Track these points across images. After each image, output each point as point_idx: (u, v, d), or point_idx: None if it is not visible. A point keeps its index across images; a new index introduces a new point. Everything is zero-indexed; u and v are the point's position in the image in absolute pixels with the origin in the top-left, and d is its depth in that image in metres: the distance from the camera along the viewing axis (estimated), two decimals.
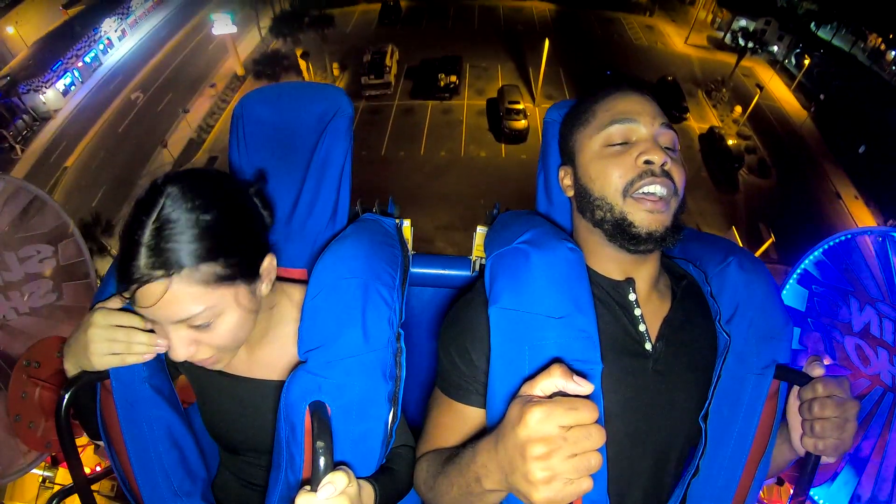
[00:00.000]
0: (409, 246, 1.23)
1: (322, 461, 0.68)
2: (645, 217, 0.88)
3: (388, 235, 1.06)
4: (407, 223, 1.21)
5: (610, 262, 0.96)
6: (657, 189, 0.88)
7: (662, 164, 0.88)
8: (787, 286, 1.53)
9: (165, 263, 0.73)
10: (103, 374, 0.93)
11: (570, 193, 1.01)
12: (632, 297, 0.94)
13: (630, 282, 0.94)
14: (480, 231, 1.24)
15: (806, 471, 0.88)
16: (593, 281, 0.92)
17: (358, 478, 0.84)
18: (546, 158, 1.15)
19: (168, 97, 22.92)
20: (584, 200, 0.95)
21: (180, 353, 0.82)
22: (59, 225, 1.57)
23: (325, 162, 1.09)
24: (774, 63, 27.51)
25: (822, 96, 23.59)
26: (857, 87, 24.80)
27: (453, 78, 21.76)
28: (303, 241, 1.09)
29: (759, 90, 21.99)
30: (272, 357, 0.99)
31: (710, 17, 31.28)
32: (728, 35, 28.44)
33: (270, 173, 1.09)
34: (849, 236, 1.40)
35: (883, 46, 28.75)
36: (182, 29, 28.83)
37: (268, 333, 0.98)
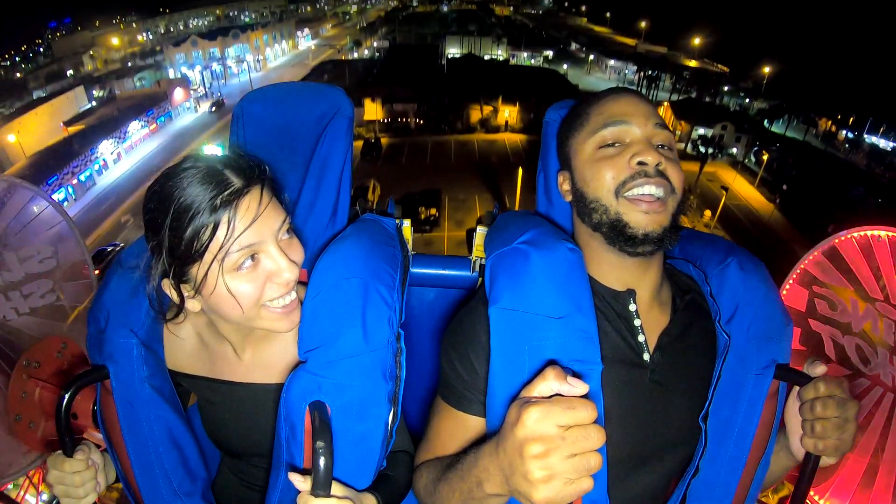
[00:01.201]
0: (409, 246, 1.23)
1: (322, 461, 0.68)
2: (641, 218, 0.87)
3: (388, 235, 1.06)
4: (407, 223, 1.21)
5: (611, 270, 0.95)
6: (652, 189, 0.87)
7: (657, 165, 0.88)
8: (787, 286, 1.53)
9: (253, 172, 0.82)
10: (103, 374, 0.93)
11: (569, 198, 1.01)
12: (632, 307, 0.94)
13: (631, 293, 0.94)
14: (480, 231, 1.24)
15: (806, 471, 0.88)
16: (594, 290, 0.91)
17: (360, 490, 0.85)
18: (546, 159, 1.15)
19: None
20: (581, 204, 0.95)
21: (291, 270, 0.85)
22: (60, 225, 1.57)
23: (325, 162, 1.09)
24: (735, 164, 29.31)
25: (784, 186, 24.98)
26: (816, 171, 26.45)
27: (433, 210, 22.39)
28: (303, 241, 1.08)
29: (724, 192, 23.21)
30: (272, 358, 0.99)
31: None
32: (689, 145, 30.06)
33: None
34: (849, 236, 1.40)
35: (834, 128, 31.46)
36: (175, 157, 29.42)
37: (268, 333, 0.98)
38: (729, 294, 0.96)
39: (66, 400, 0.88)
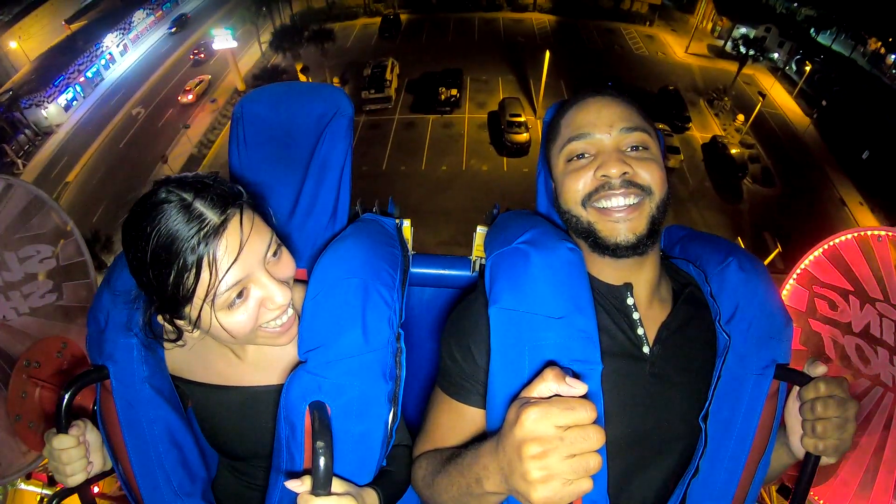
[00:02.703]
0: (409, 246, 1.23)
1: (322, 461, 0.68)
2: (612, 228, 0.89)
3: (388, 235, 1.06)
4: (407, 223, 1.21)
5: (605, 267, 0.96)
6: (619, 201, 0.88)
7: (622, 175, 0.88)
8: (787, 286, 1.53)
9: (230, 200, 0.79)
10: (103, 374, 0.93)
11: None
12: (629, 300, 0.94)
13: (628, 286, 0.94)
14: (480, 231, 1.24)
15: (806, 471, 0.88)
16: (592, 286, 0.92)
17: (361, 486, 0.85)
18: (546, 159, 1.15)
19: (169, 112, 22.98)
20: (559, 212, 0.98)
21: (283, 293, 0.84)
22: (59, 225, 1.57)
23: (325, 162, 1.09)
24: (776, 70, 27.58)
25: (823, 102, 23.63)
26: (858, 92, 24.87)
27: (454, 91, 21.76)
28: (303, 241, 1.09)
29: (761, 98, 22.07)
30: (272, 359, 0.99)
31: (710, 26, 31.34)
32: (729, 43, 28.52)
33: (270, 173, 1.09)
34: (849, 236, 1.40)
35: (883, 50, 29.04)
36: (184, 44, 29.08)
37: None
38: (729, 294, 0.96)
39: (66, 400, 0.88)
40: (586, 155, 0.92)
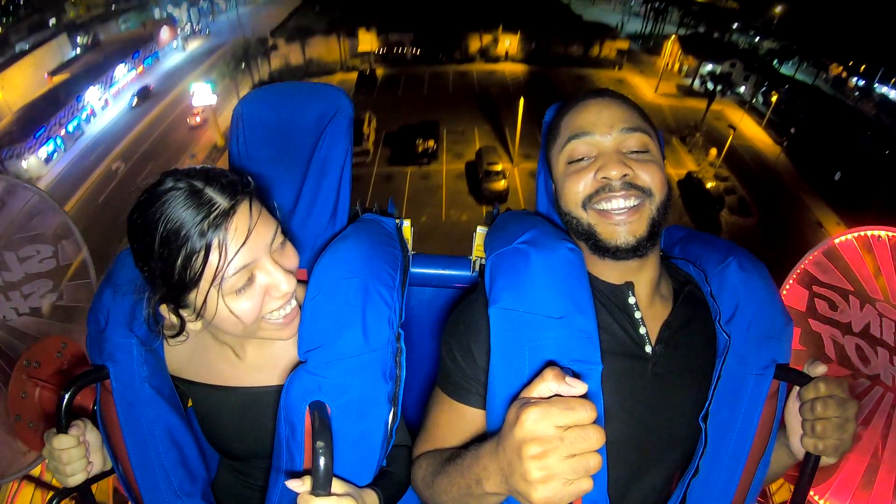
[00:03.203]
0: (409, 246, 1.23)
1: (322, 461, 0.68)
2: (612, 230, 0.88)
3: (388, 235, 1.06)
4: (407, 223, 1.21)
5: (606, 268, 0.95)
6: (620, 203, 0.87)
7: (623, 177, 0.87)
8: (787, 286, 1.53)
9: (239, 188, 0.80)
10: (103, 374, 0.93)
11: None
12: (631, 300, 0.94)
13: (629, 285, 0.94)
14: (480, 231, 1.24)
15: (806, 471, 0.88)
16: (593, 285, 0.92)
17: (361, 487, 0.85)
18: (546, 159, 1.15)
19: (149, 167, 22.49)
20: (559, 212, 0.98)
21: (288, 281, 0.85)
22: (59, 225, 1.57)
23: (325, 162, 1.09)
24: (743, 103, 28.65)
25: (792, 130, 24.45)
26: (824, 117, 25.75)
27: (431, 143, 21.73)
28: (302, 241, 1.08)
29: (732, 131, 22.64)
30: (272, 359, 0.99)
31: (676, 66, 32.66)
32: (696, 81, 29.58)
33: (270, 173, 1.09)
34: (849, 236, 1.40)
35: (844, 74, 30.66)
36: (164, 100, 29.11)
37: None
38: (729, 294, 0.96)
39: (66, 400, 0.88)
40: (585, 158, 0.92)
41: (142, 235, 0.76)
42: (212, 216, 0.75)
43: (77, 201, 20.99)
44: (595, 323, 0.85)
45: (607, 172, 0.87)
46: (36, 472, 1.75)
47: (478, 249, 1.28)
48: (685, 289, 0.99)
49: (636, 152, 0.90)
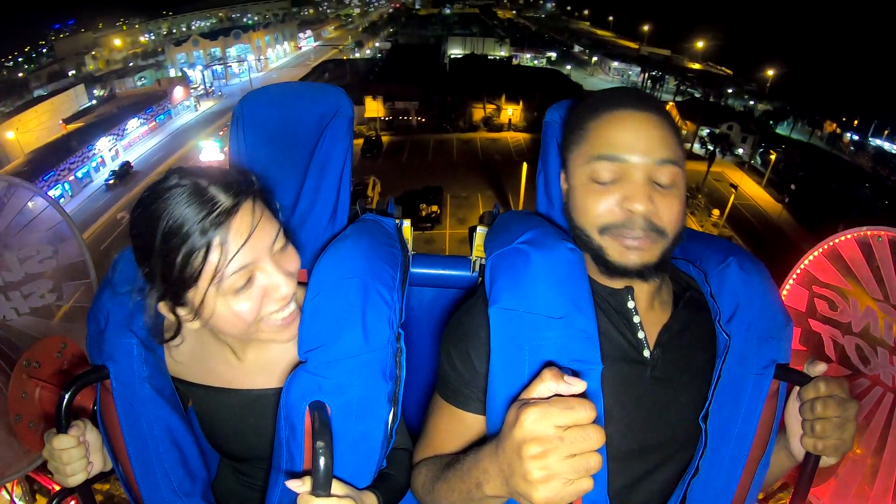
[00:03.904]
0: (409, 246, 1.23)
1: (322, 461, 0.68)
2: (622, 253, 0.86)
3: (388, 235, 1.06)
4: (407, 223, 1.21)
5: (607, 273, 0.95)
6: (638, 233, 0.84)
7: (647, 216, 0.83)
8: (787, 286, 1.53)
9: (244, 188, 0.80)
10: (103, 374, 0.93)
11: (565, 201, 0.98)
12: (630, 304, 0.94)
13: (629, 290, 0.94)
14: (480, 231, 1.24)
15: (806, 471, 0.88)
16: (592, 289, 0.91)
17: (361, 489, 0.85)
18: (546, 159, 1.15)
19: None
20: (570, 223, 0.94)
21: (289, 284, 0.85)
22: (59, 225, 1.57)
23: (325, 162, 1.09)
24: (742, 164, 29.33)
25: (793, 186, 24.95)
26: (822, 172, 26.48)
27: (434, 208, 21.91)
28: (302, 242, 1.08)
29: (733, 189, 22.97)
30: (272, 359, 0.99)
31: None
32: (696, 144, 30.09)
33: (270, 173, 1.09)
34: (849, 236, 1.40)
35: (838, 130, 31.76)
36: (174, 155, 29.45)
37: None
38: (729, 294, 0.95)
39: (66, 400, 0.88)
40: (612, 180, 0.85)
41: (143, 231, 0.77)
42: (213, 214, 0.75)
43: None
44: (595, 323, 0.85)
45: (633, 205, 0.83)
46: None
47: (478, 249, 1.28)
48: (686, 294, 0.99)
49: (664, 186, 0.85)
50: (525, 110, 34.03)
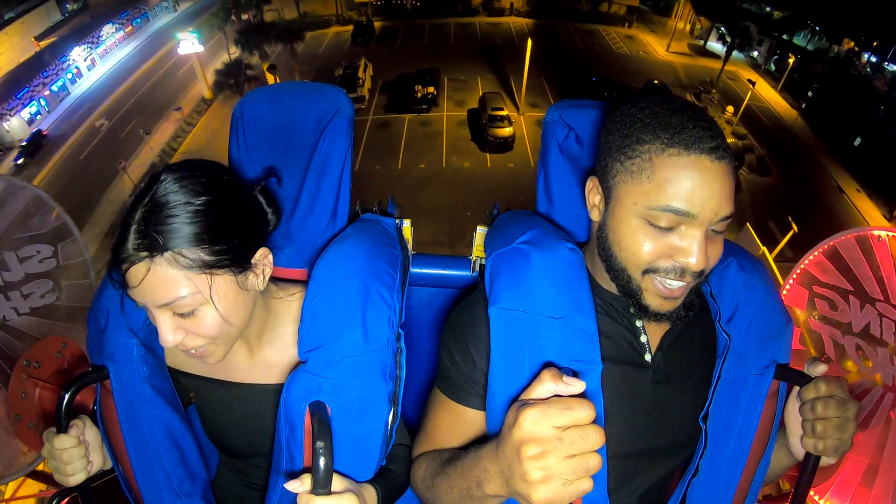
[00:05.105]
0: (409, 246, 1.23)
1: (322, 461, 0.68)
2: (658, 302, 0.83)
3: (388, 235, 1.06)
4: (407, 223, 1.21)
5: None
6: (679, 284, 0.81)
7: (697, 272, 0.79)
8: (787, 286, 1.53)
9: (150, 245, 0.74)
10: (103, 374, 0.93)
11: (595, 218, 0.89)
12: (633, 308, 0.94)
13: None
14: (480, 231, 1.24)
15: (806, 471, 0.88)
16: (596, 292, 0.91)
17: (360, 482, 0.84)
18: (546, 159, 1.15)
19: (133, 123, 22.06)
20: (604, 253, 0.87)
21: (168, 340, 0.81)
22: (59, 225, 1.57)
23: (325, 162, 1.09)
24: (758, 67, 28.03)
25: (809, 93, 23.91)
26: (840, 84, 25.22)
27: (431, 89, 20.67)
28: (303, 241, 1.09)
29: (750, 85, 21.94)
30: (272, 358, 0.99)
31: (688, 28, 31.99)
32: (714, 34, 28.83)
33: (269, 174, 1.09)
34: (849, 236, 1.40)
35: (857, 48, 29.91)
36: (152, 57, 28.43)
37: (268, 333, 0.98)
38: (729, 294, 0.95)
39: (66, 400, 0.88)
40: (669, 227, 0.78)
41: None
42: (116, 256, 0.77)
43: (59, 159, 20.49)
44: (595, 323, 0.85)
45: (687, 262, 0.78)
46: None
47: (478, 249, 1.28)
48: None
49: (718, 233, 0.81)
50: None
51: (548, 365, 0.69)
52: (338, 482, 0.76)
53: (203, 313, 0.81)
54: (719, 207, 0.76)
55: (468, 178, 17.33)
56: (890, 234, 1.31)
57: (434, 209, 15.41)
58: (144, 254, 0.74)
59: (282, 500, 0.89)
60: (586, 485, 0.60)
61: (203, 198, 0.77)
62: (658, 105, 0.79)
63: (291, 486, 0.72)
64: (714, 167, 0.75)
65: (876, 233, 1.34)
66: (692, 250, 0.77)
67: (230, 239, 0.81)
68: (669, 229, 0.78)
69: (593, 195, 0.88)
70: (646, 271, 0.81)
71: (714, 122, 0.79)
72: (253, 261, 0.86)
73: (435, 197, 16.27)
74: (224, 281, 0.81)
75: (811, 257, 1.48)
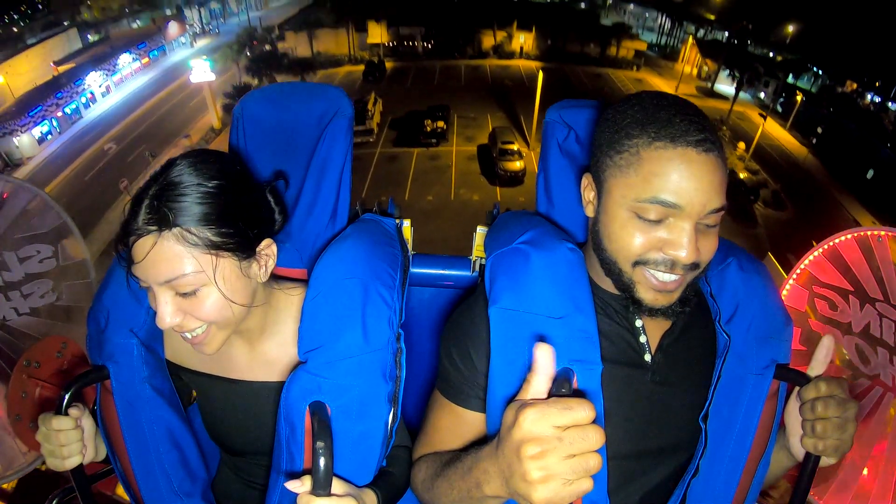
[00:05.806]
0: (409, 246, 1.23)
1: (322, 461, 0.68)
2: (652, 296, 0.84)
3: (388, 236, 1.06)
4: (407, 223, 1.21)
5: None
6: (670, 277, 0.81)
7: (687, 265, 0.80)
8: (787, 286, 1.53)
9: (160, 220, 0.77)
10: (104, 374, 0.93)
11: (590, 214, 0.89)
12: (629, 304, 0.93)
13: None
14: (480, 231, 1.24)
15: (806, 471, 0.88)
16: (595, 292, 0.90)
17: (360, 486, 0.85)
18: (546, 159, 1.15)
19: (141, 148, 22.09)
20: (597, 247, 0.88)
21: (166, 320, 0.81)
22: (59, 225, 1.57)
23: (325, 162, 1.09)
24: (765, 108, 28.78)
25: (819, 129, 24.32)
26: (847, 123, 25.67)
27: (441, 123, 20.76)
28: (303, 241, 1.09)
29: (762, 119, 22.43)
30: (273, 354, 0.99)
31: (695, 71, 32.81)
32: (724, 73, 29.63)
33: (270, 173, 1.09)
34: (849, 236, 1.40)
35: (860, 89, 30.92)
36: (166, 88, 28.86)
37: (268, 332, 0.98)
38: (729, 294, 0.95)
39: (66, 400, 0.88)
40: (658, 220, 0.79)
41: None
42: (126, 228, 0.79)
43: (63, 178, 20.61)
44: (595, 323, 0.85)
45: (678, 254, 0.78)
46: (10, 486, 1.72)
47: (478, 249, 1.28)
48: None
49: (709, 227, 0.81)
50: (538, 38, 32.58)
51: (539, 342, 0.67)
52: (338, 486, 0.76)
53: (204, 294, 0.82)
54: (707, 199, 0.76)
55: (477, 211, 17.01)
56: (890, 234, 1.31)
57: (441, 240, 15.16)
58: (153, 227, 0.77)
59: (282, 499, 0.89)
60: (586, 485, 0.60)
61: (215, 181, 0.80)
62: (648, 101, 0.81)
63: (291, 485, 0.72)
64: (701, 159, 0.75)
65: (876, 233, 1.34)
66: (681, 242, 0.77)
67: (237, 223, 0.83)
68: (658, 222, 0.78)
69: (588, 192, 0.89)
70: (636, 263, 0.82)
71: (703, 116, 0.80)
72: (257, 249, 0.88)
73: (442, 229, 16.09)
74: (228, 264, 0.83)
75: (811, 257, 1.48)
